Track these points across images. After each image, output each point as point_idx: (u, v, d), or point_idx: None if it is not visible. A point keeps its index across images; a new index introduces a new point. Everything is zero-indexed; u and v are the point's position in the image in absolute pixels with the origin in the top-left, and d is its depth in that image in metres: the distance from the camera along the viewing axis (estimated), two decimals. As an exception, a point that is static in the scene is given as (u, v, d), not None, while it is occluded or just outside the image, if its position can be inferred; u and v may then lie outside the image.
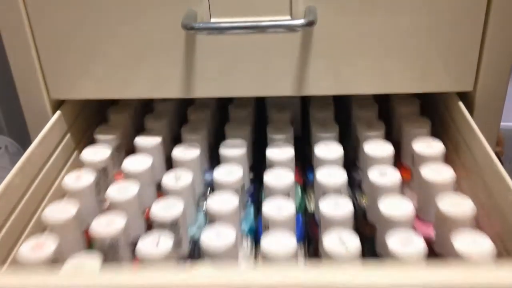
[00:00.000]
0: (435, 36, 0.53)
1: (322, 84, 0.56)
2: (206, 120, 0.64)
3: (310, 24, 0.50)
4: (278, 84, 0.56)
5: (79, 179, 0.53)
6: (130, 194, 0.51)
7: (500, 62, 0.54)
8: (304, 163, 0.62)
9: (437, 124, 0.61)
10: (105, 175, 0.57)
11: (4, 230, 0.46)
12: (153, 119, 0.64)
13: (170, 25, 0.53)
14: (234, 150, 0.57)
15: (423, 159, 0.54)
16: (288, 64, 0.55)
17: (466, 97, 0.57)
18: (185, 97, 0.57)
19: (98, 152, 0.58)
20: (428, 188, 0.51)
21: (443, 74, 0.55)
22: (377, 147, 0.56)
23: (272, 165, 0.56)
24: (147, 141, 0.59)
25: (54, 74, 0.57)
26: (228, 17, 0.53)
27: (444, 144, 0.56)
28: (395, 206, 0.47)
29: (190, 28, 0.51)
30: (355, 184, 0.58)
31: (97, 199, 0.54)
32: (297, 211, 0.52)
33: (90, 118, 0.66)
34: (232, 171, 0.54)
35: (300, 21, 0.49)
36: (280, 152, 0.56)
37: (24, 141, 0.55)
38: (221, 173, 0.54)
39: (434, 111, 0.63)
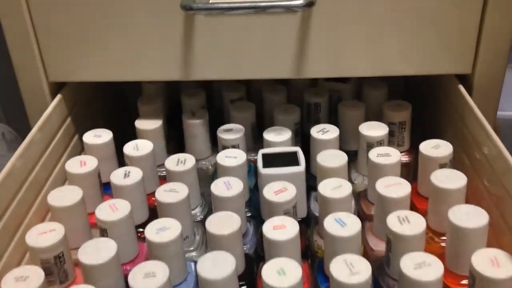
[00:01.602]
0: (434, 17, 0.53)
1: (321, 66, 0.55)
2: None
3: (309, 4, 0.50)
4: (277, 66, 0.56)
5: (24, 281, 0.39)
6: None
7: (498, 44, 0.54)
8: (310, 252, 0.52)
9: (438, 109, 0.61)
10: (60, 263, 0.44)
11: (6, 216, 0.46)
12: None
13: (168, 6, 0.53)
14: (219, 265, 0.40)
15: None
16: (287, 46, 0.55)
17: (464, 81, 0.57)
18: (183, 79, 0.57)
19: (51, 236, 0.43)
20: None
21: (442, 56, 0.55)
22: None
23: None
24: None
25: (52, 57, 0.57)
26: (227, -2, 0.52)
27: (446, 129, 0.56)
28: None
29: (188, 9, 0.50)
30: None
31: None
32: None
33: (91, 102, 0.65)
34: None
35: (300, 2, 0.49)
36: (283, 279, 0.37)
37: (22, 129, 0.55)
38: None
39: (436, 98, 0.63)
